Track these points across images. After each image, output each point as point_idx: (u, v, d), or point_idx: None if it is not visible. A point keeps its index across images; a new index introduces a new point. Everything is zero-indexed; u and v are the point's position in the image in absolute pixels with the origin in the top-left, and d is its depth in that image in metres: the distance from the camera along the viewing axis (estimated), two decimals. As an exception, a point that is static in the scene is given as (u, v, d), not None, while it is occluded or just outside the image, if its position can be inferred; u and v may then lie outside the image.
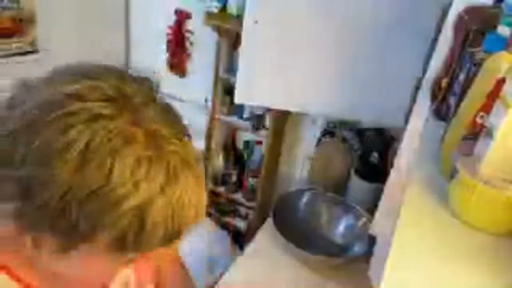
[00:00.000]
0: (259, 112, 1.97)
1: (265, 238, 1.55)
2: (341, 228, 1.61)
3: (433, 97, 0.91)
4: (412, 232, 0.55)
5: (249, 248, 1.53)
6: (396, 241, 0.53)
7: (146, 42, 2.21)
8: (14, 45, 1.78)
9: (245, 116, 2.03)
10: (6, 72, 1.70)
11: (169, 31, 2.10)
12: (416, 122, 0.93)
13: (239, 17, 1.74)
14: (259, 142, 2.07)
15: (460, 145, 0.62)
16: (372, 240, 1.20)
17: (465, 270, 0.51)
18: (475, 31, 0.75)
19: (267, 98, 1.66)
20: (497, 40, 0.66)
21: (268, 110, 1.90)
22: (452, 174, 0.60)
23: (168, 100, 0.51)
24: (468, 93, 0.65)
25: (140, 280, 0.75)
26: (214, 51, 1.96)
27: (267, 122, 1.95)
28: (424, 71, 1.14)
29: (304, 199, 1.66)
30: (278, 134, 1.99)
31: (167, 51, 2.14)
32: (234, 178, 2.16)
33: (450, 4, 0.93)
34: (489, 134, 0.54)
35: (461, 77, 0.74)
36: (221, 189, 2.19)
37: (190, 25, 2.07)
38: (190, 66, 2.15)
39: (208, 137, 2.10)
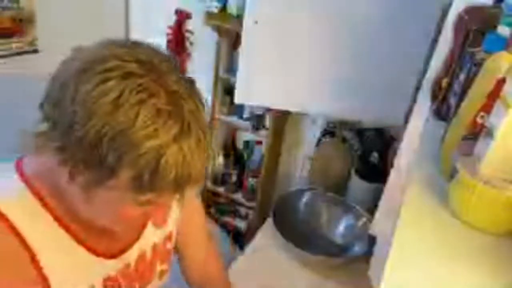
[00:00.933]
0: (259, 112, 1.97)
1: (265, 238, 1.55)
2: (341, 228, 1.62)
3: (434, 97, 0.91)
4: (412, 232, 0.55)
5: (249, 248, 1.53)
6: (396, 241, 0.53)
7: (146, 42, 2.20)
8: (14, 45, 1.78)
9: (245, 116, 2.03)
10: (6, 72, 1.71)
11: (169, 31, 2.09)
12: (416, 122, 0.93)
13: (239, 17, 1.74)
14: (259, 142, 2.07)
15: (460, 145, 0.62)
16: (372, 240, 1.20)
17: (465, 270, 0.51)
18: (475, 31, 0.75)
19: (267, 98, 1.66)
20: (497, 40, 0.66)
21: (268, 110, 1.90)
22: (452, 174, 0.60)
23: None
24: (468, 93, 0.65)
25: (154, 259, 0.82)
26: (214, 51, 1.96)
27: (267, 122, 1.96)
28: (424, 71, 1.14)
29: (304, 199, 1.66)
30: (278, 134, 1.99)
31: (167, 51, 2.14)
32: (234, 178, 2.16)
33: (450, 4, 0.93)
34: (489, 134, 0.54)
35: (462, 77, 0.73)
36: (221, 189, 2.19)
37: (190, 25, 2.07)
38: (190, 66, 2.15)
39: (208, 137, 2.09)
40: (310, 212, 1.64)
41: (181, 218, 0.87)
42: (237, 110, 2.03)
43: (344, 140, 1.77)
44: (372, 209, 1.35)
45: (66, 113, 0.53)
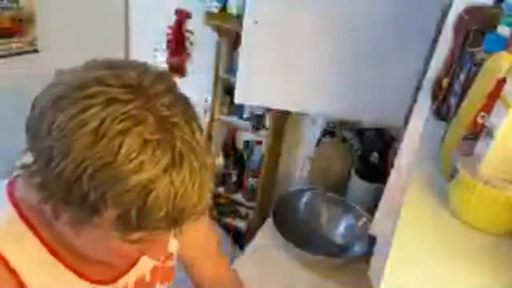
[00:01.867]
0: (259, 112, 1.97)
1: (265, 238, 1.55)
2: (341, 228, 1.62)
3: (434, 97, 0.91)
4: (412, 232, 0.55)
5: (249, 248, 1.53)
6: (396, 241, 0.53)
7: (146, 42, 2.21)
8: (14, 45, 1.78)
9: (245, 116, 2.03)
10: (6, 72, 1.71)
11: (169, 31, 2.09)
12: (416, 122, 0.93)
13: (239, 17, 1.74)
14: (259, 142, 2.07)
15: (460, 145, 0.62)
16: (372, 240, 1.20)
17: (465, 270, 0.51)
18: (475, 31, 0.75)
19: (267, 98, 1.66)
20: (497, 40, 0.66)
21: (268, 110, 1.90)
22: (452, 174, 0.60)
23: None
24: (468, 93, 0.65)
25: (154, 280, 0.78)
26: (214, 51, 1.96)
27: (267, 122, 1.95)
28: (425, 71, 1.14)
29: (304, 199, 1.66)
30: (278, 134, 1.99)
31: (167, 51, 2.14)
32: (234, 178, 2.16)
33: (450, 5, 0.93)
34: (490, 134, 0.54)
35: (462, 77, 0.73)
36: (221, 189, 2.19)
37: (190, 25, 2.07)
38: (190, 66, 2.15)
39: (208, 137, 2.09)
40: (310, 212, 1.64)
41: (183, 242, 0.82)
42: (237, 110, 2.03)
43: (344, 140, 1.77)
44: (372, 209, 1.35)
45: (43, 146, 0.48)
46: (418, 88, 1.25)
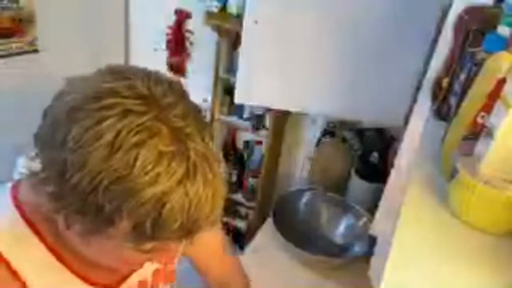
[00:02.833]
0: (259, 112, 1.97)
1: (265, 238, 1.55)
2: (341, 228, 1.62)
3: (434, 97, 0.91)
4: (412, 232, 0.55)
5: (249, 248, 1.54)
6: (396, 241, 0.53)
7: (146, 42, 2.21)
8: (14, 45, 1.77)
9: (245, 116, 2.03)
10: (6, 72, 1.71)
11: (169, 31, 2.09)
12: (416, 122, 0.93)
13: (239, 17, 1.74)
14: (259, 142, 2.07)
15: (461, 145, 0.62)
16: (372, 240, 1.20)
17: (465, 270, 0.51)
18: (475, 31, 0.75)
19: (267, 98, 1.66)
20: (497, 40, 0.66)
21: (268, 110, 1.90)
22: (452, 174, 0.60)
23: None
24: (468, 93, 0.65)
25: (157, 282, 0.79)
26: (214, 51, 1.96)
27: (267, 122, 1.95)
28: (424, 71, 1.14)
29: (304, 199, 1.66)
30: (278, 134, 1.99)
31: (167, 51, 2.14)
32: (234, 178, 2.16)
33: (450, 5, 0.93)
34: (490, 134, 0.54)
35: (462, 77, 0.74)
36: (221, 189, 2.19)
37: (190, 25, 2.07)
38: (190, 66, 2.15)
39: (208, 137, 2.09)
40: (310, 212, 1.64)
41: (192, 248, 0.82)
42: (237, 110, 2.03)
43: (344, 140, 1.77)
44: (372, 209, 1.35)
45: (56, 157, 0.48)
46: (418, 88, 1.25)
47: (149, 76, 0.53)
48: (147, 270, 0.75)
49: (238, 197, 2.17)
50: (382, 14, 1.41)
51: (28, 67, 1.77)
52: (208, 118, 2.06)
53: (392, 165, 1.07)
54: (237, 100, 1.67)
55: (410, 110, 1.21)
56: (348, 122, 1.76)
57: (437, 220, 0.58)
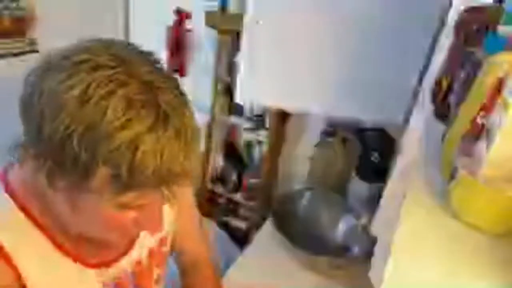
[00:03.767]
0: (259, 112, 1.97)
1: (265, 238, 1.55)
2: (341, 228, 1.61)
3: (434, 97, 0.91)
4: (412, 232, 0.55)
5: (249, 248, 1.53)
6: (397, 241, 0.53)
7: (146, 42, 2.21)
8: (14, 45, 1.78)
9: (245, 116, 2.03)
10: (6, 73, 1.71)
11: (169, 31, 2.09)
12: (416, 122, 0.93)
13: (239, 17, 1.74)
14: (259, 142, 2.07)
15: (461, 145, 0.62)
16: (372, 241, 1.20)
17: (464, 270, 0.51)
18: (475, 31, 0.75)
19: (267, 98, 1.66)
20: (497, 40, 0.66)
21: (268, 110, 1.90)
22: (452, 174, 0.60)
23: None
24: (468, 93, 0.65)
25: (151, 263, 0.81)
26: (214, 51, 1.96)
27: (267, 122, 1.95)
28: (425, 71, 1.14)
29: (304, 199, 1.66)
30: (278, 134, 1.99)
31: (167, 51, 2.14)
32: (234, 178, 2.16)
33: (450, 4, 0.93)
34: (490, 134, 0.54)
35: (462, 77, 0.73)
36: (221, 189, 2.19)
37: (190, 25, 2.07)
38: (190, 66, 2.15)
39: (208, 137, 2.09)
40: (310, 212, 1.64)
41: (176, 218, 0.86)
42: (237, 110, 2.03)
43: (344, 140, 1.77)
44: (372, 209, 1.35)
45: (35, 114, 0.50)
46: (418, 88, 1.25)
47: (130, 45, 0.56)
48: (143, 247, 0.78)
49: (238, 197, 2.17)
50: (382, 14, 1.41)
51: (28, 67, 1.77)
52: (208, 118, 2.06)
53: (392, 165, 1.07)
54: (237, 100, 1.67)
55: (410, 110, 1.21)
56: (348, 122, 1.76)
57: (437, 220, 0.58)
